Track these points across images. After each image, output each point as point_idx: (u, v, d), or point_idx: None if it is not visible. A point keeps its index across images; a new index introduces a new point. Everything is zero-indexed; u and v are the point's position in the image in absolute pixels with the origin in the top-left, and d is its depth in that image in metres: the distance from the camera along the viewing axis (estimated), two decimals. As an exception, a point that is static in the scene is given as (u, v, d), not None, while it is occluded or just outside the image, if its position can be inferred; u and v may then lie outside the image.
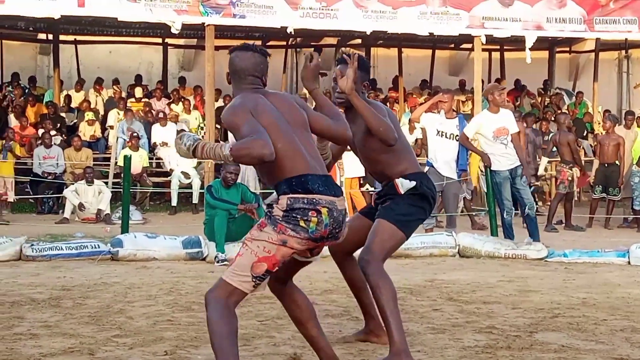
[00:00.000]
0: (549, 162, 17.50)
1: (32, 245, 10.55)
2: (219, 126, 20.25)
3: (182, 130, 17.25)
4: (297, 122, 4.76)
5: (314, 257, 4.88)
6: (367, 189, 16.05)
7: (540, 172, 17.18)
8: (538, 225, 12.12)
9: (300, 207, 4.52)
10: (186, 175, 17.39)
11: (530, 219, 11.93)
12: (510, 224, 11.88)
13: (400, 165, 5.84)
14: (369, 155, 5.94)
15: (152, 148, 18.96)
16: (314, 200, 4.54)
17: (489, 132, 11.74)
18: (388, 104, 21.78)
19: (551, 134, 18.26)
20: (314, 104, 5.15)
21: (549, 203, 17.07)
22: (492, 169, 11.83)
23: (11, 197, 17.25)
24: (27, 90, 22.15)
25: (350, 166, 15.27)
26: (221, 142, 4.64)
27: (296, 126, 4.73)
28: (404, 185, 5.78)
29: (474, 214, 15.75)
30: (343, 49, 24.56)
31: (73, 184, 16.53)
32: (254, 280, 4.55)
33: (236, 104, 4.69)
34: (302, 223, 4.52)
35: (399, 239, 5.75)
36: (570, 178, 15.30)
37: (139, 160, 17.37)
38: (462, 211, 15.11)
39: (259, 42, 23.71)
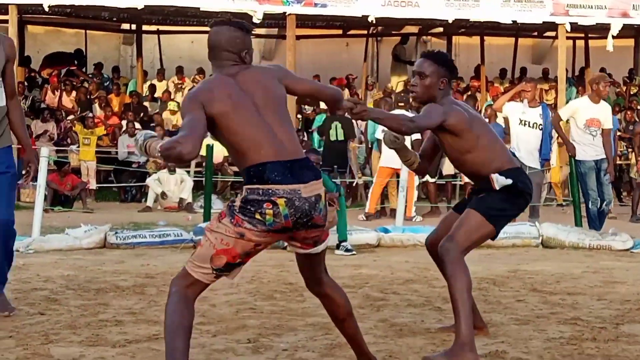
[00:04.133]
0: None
1: (116, 233, 10.66)
2: (299, 116, 20.29)
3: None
4: (269, 103, 4.48)
5: (317, 247, 4.53)
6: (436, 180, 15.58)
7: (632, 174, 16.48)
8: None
9: (255, 198, 4.26)
10: (267, 164, 17.42)
11: (603, 214, 11.84)
12: (595, 215, 11.72)
13: (493, 163, 5.59)
14: (454, 156, 5.72)
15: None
16: (269, 191, 4.26)
17: (582, 119, 11.58)
18: (469, 92, 21.66)
19: (636, 124, 17.91)
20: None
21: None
22: (577, 158, 11.67)
23: (93, 184, 17.53)
24: (109, 80, 22.47)
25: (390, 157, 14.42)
26: (163, 140, 4.47)
27: (267, 107, 4.45)
28: (499, 181, 5.52)
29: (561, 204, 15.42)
30: (424, 37, 24.58)
31: (156, 172, 16.73)
32: (214, 272, 4.34)
33: (191, 93, 4.49)
34: (257, 216, 4.26)
35: (487, 232, 5.55)
36: None
37: (221, 150, 17.45)
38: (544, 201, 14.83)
39: (339, 31, 23.77)
